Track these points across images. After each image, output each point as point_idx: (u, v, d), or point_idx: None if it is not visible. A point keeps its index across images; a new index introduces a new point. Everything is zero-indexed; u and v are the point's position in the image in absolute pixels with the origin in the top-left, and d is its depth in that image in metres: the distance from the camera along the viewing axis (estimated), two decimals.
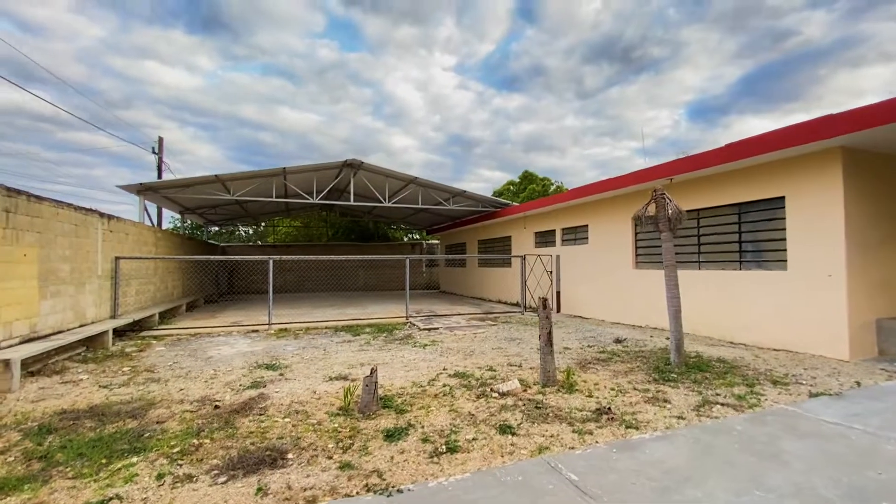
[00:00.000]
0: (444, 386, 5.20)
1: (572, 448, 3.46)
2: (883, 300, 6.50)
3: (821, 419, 3.91)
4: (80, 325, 7.73)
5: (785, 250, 6.85)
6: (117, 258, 9.11)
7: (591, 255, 11.24)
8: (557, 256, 12.59)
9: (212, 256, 11.51)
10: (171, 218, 23.60)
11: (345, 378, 5.63)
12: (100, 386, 5.46)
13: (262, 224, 25.84)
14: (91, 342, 7.68)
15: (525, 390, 4.96)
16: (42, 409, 4.54)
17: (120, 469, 3.19)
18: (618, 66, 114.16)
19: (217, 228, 24.77)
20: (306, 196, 13.42)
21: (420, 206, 14.83)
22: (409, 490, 2.85)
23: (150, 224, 11.92)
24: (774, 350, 6.92)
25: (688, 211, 8.40)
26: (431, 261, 23.97)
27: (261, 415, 4.33)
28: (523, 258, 12.80)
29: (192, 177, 11.36)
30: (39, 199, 6.55)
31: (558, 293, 12.49)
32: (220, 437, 3.75)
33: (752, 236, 7.43)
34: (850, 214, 6.15)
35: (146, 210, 11.49)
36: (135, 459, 3.35)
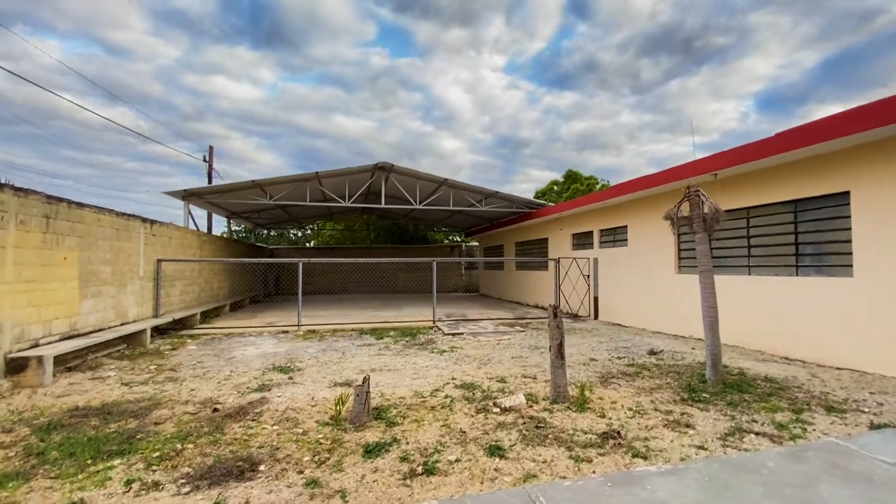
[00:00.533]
0: (447, 397, 4.92)
1: (563, 478, 3.08)
2: None
3: (877, 458, 3.23)
4: (122, 324, 8.23)
5: (850, 254, 5.92)
6: (159, 261, 9.65)
7: (631, 258, 10.48)
8: (595, 259, 11.88)
9: (248, 259, 11.98)
10: (226, 224, 25.03)
11: (349, 384, 5.51)
12: (122, 383, 5.72)
13: (310, 228, 26.77)
14: (131, 340, 8.15)
15: (531, 406, 4.58)
16: (60, 405, 4.79)
17: (99, 471, 3.22)
18: (678, 57, 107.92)
19: (267, 232, 25.96)
20: (339, 200, 13.63)
21: (451, 208, 14.62)
22: None
23: (194, 228, 12.58)
24: (837, 369, 6.00)
25: (736, 210, 7.58)
26: (471, 263, 23.66)
27: (253, 420, 4.28)
28: (557, 261, 12.21)
29: (232, 182, 11.91)
30: (80, 205, 7.02)
31: (596, 299, 11.77)
32: (203, 443, 3.72)
33: (810, 237, 6.51)
34: None
35: (191, 214, 12.17)
36: (116, 462, 3.38)
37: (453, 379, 5.73)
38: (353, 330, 10.25)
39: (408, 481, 3.06)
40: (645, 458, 3.35)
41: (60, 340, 6.43)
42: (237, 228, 24.42)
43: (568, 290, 12.82)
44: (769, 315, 7.01)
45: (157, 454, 3.49)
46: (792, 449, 3.45)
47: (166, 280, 10.20)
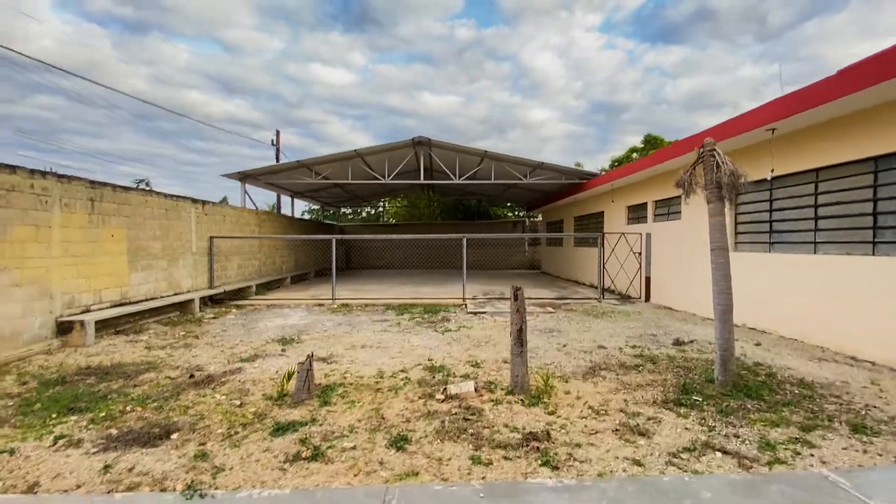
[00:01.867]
0: (404, 379, 4.74)
1: (445, 480, 2.76)
2: None
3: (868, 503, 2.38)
4: (175, 294, 9.27)
5: None
6: (212, 237, 10.64)
7: (683, 234, 9.12)
8: (648, 235, 10.55)
9: (295, 236, 12.67)
10: (304, 204, 26.88)
11: (326, 360, 5.58)
12: (146, 347, 6.43)
13: (380, 205, 27.73)
14: (182, 308, 9.17)
15: (480, 395, 4.21)
16: (81, 363, 5.52)
17: (50, 425, 3.62)
18: None
19: (338, 210, 27.40)
20: (378, 176, 13.76)
21: (493, 181, 13.94)
22: (210, 497, 2.59)
23: (253, 207, 13.64)
24: None
25: (800, 173, 6.14)
26: (534, 240, 22.67)
27: (211, 389, 4.52)
28: (601, 237, 11.09)
29: (281, 164, 12.63)
30: (126, 188, 7.92)
31: (647, 279, 10.52)
32: (151, 408, 4.00)
33: (891, 206, 5.00)
34: None
35: (247, 194, 13.21)
36: (72, 418, 3.77)
37: (430, 360, 5.51)
38: (383, 305, 10.43)
39: (286, 465, 2.97)
40: (555, 468, 2.87)
41: (111, 307, 7.40)
42: (315, 208, 26.15)
43: (618, 269, 11.64)
44: (835, 303, 5.62)
45: (104, 414, 3.83)
46: (755, 479, 2.71)
47: (222, 255, 11.24)
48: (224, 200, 25.79)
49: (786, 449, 3.08)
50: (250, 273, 13.03)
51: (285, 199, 19.04)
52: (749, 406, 3.83)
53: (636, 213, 11.45)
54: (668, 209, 9.85)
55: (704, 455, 3.02)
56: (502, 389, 4.36)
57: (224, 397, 4.28)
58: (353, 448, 3.20)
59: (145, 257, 8.36)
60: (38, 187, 6.16)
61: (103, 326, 7.20)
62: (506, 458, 3.01)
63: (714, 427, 3.45)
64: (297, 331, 7.48)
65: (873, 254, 5.19)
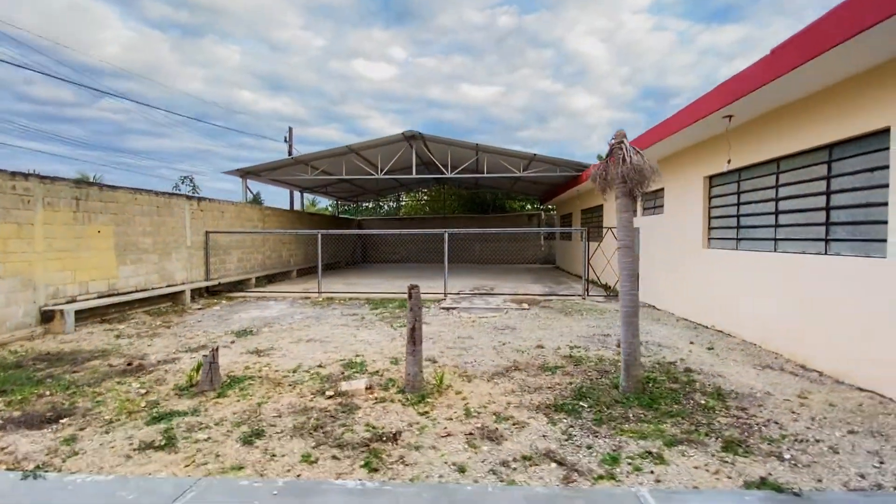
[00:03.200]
0: (314, 374, 4.84)
1: (262, 476, 2.82)
2: None
3: None
4: (168, 286, 9.87)
5: (885, 222, 3.91)
6: (208, 232, 11.22)
7: (665, 229, 8.62)
8: (637, 229, 10.04)
9: (289, 231, 13.08)
10: (326, 201, 27.60)
11: (260, 353, 5.78)
12: (116, 335, 6.92)
13: (399, 199, 28.04)
14: (174, 298, 9.78)
15: (371, 392, 4.24)
16: (47, 349, 6.03)
17: None
18: None
19: (356, 205, 27.92)
20: (371, 172, 13.90)
21: (486, 174, 13.70)
22: (42, 478, 2.80)
23: (257, 203, 14.18)
24: (858, 389, 4.15)
25: (761, 164, 5.65)
26: (550, 233, 22.12)
27: (133, 377, 4.81)
28: (585, 231, 10.67)
29: (278, 160, 13.07)
30: (113, 187, 8.50)
31: (637, 276, 10.01)
32: (65, 393, 4.33)
33: (844, 199, 4.49)
34: None
35: (248, 189, 13.79)
36: None
37: (358, 356, 5.58)
38: (365, 299, 10.61)
39: (134, 453, 3.15)
40: (374, 470, 2.86)
41: (98, 298, 8.01)
42: (330, 203, 26.80)
43: (601, 265, 11.17)
44: (790, 307, 5.14)
45: (21, 397, 4.19)
46: (561, 492, 2.59)
47: (220, 249, 11.83)
48: (257, 196, 27.05)
49: (630, 464, 2.90)
50: (252, 266, 13.62)
51: (305, 195, 19.73)
52: (632, 415, 3.62)
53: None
54: (655, 202, 9.34)
55: (537, 465, 2.90)
56: (398, 388, 4.36)
57: (139, 385, 4.56)
58: (207, 440, 3.33)
59: (135, 251, 8.95)
60: (20, 188, 6.75)
61: (90, 315, 7.82)
62: (335, 457, 3.03)
63: (574, 436, 3.29)
64: (264, 323, 7.78)
65: (826, 253, 4.69)
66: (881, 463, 2.89)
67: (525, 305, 9.43)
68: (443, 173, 13.41)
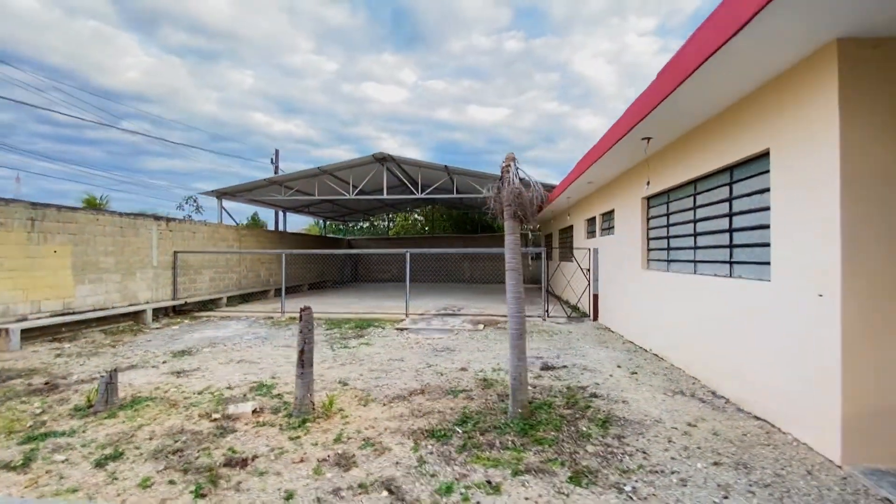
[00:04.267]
0: (216, 397, 4.83)
1: (91, 499, 2.81)
2: None
3: None
4: (130, 305, 10.00)
5: (767, 245, 3.85)
6: (176, 252, 11.40)
7: (615, 250, 8.55)
8: (595, 250, 9.98)
9: (257, 251, 13.23)
10: (311, 220, 27.94)
11: (179, 374, 5.79)
12: (57, 354, 7.00)
13: (388, 218, 28.26)
14: (136, 317, 9.90)
15: (257, 416, 4.21)
16: None
17: None
18: None
19: (347, 224, 28.18)
20: (343, 192, 14.10)
21: (454, 196, 13.80)
22: None
23: (232, 223, 14.43)
24: (755, 418, 4.01)
25: (681, 185, 5.63)
26: (538, 254, 22.05)
27: (39, 396, 4.85)
28: (542, 253, 10.62)
29: (253, 181, 13.35)
30: (73, 209, 8.74)
31: (595, 297, 9.92)
32: None
33: (743, 221, 4.43)
34: (852, 173, 3.03)
35: (224, 210, 14.05)
36: None
37: (273, 377, 5.57)
38: (325, 319, 10.61)
39: None
40: (202, 495, 2.83)
41: (51, 317, 8.15)
42: (315, 222, 27.09)
43: (578, 286, 11.08)
44: (705, 331, 5.03)
45: None
46: None
47: (191, 268, 12.00)
48: (255, 217, 27.42)
49: (461, 494, 2.83)
50: (226, 285, 13.76)
51: (291, 216, 20.02)
52: (500, 442, 3.54)
53: (591, 228, 10.88)
54: (610, 223, 9.29)
55: (367, 494, 2.85)
56: (287, 412, 4.33)
57: (38, 405, 4.59)
58: (64, 461, 3.33)
59: (94, 271, 9.12)
60: None
61: (40, 334, 7.94)
62: (171, 482, 3.01)
63: (426, 463, 3.23)
64: (209, 343, 7.81)
65: (730, 275, 4.61)
66: (725, 498, 2.78)
67: (481, 326, 9.35)
68: (413, 193, 13.53)
